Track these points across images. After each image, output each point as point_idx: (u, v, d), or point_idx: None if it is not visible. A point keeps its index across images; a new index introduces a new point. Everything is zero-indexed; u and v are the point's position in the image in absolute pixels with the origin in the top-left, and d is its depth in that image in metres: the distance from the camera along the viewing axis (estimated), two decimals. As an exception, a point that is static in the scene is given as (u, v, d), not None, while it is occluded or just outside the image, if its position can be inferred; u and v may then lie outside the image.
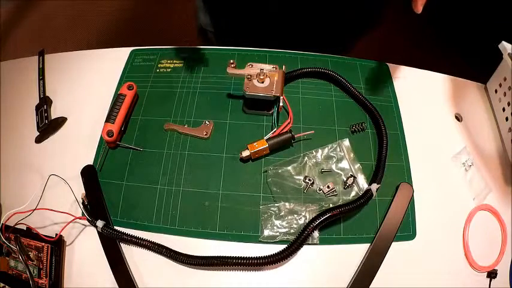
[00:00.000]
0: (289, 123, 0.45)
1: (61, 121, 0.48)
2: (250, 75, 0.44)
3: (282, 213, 0.41)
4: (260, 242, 0.40)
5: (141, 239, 0.39)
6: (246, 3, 0.56)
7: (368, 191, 0.40)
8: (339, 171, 0.43)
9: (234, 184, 0.43)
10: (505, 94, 0.48)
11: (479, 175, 0.45)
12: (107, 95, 0.50)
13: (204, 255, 0.38)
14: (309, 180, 0.42)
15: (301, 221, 0.40)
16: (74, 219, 0.40)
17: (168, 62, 0.53)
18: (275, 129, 0.45)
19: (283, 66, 0.46)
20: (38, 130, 0.48)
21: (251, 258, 0.37)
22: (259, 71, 0.44)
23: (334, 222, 0.40)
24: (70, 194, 0.41)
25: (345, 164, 0.44)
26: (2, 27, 1.44)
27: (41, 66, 0.54)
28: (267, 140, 0.43)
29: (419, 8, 0.39)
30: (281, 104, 0.43)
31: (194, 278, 0.38)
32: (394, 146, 0.46)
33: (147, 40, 0.59)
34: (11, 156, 0.47)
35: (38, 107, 0.49)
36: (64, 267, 0.39)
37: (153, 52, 0.55)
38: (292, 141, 0.44)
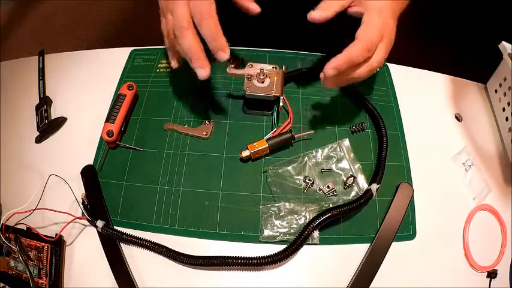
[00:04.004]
0: (289, 123, 0.45)
1: (61, 121, 0.48)
2: (250, 75, 0.44)
3: (282, 213, 0.41)
4: (260, 242, 0.40)
5: (141, 239, 0.39)
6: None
7: (368, 191, 0.40)
8: (339, 171, 0.43)
9: (234, 184, 0.43)
10: (505, 94, 0.48)
11: (479, 175, 0.45)
12: (107, 95, 0.50)
13: (204, 255, 0.38)
14: (309, 180, 0.42)
15: (301, 221, 0.40)
16: (74, 219, 0.40)
17: (168, 62, 0.53)
18: (275, 129, 0.45)
19: (283, 66, 0.46)
20: (38, 130, 0.48)
21: (251, 258, 0.37)
22: (259, 71, 0.44)
23: (334, 222, 0.40)
24: (70, 194, 0.41)
25: (345, 164, 0.44)
26: (2, 27, 1.44)
27: (41, 66, 0.54)
28: (267, 140, 0.43)
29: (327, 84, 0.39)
30: (281, 104, 0.43)
31: (194, 278, 0.38)
32: (394, 146, 0.46)
33: (147, 40, 0.59)
34: (11, 156, 0.47)
35: (38, 107, 0.49)
36: (64, 267, 0.39)
37: (153, 52, 0.55)
38: (292, 141, 0.44)
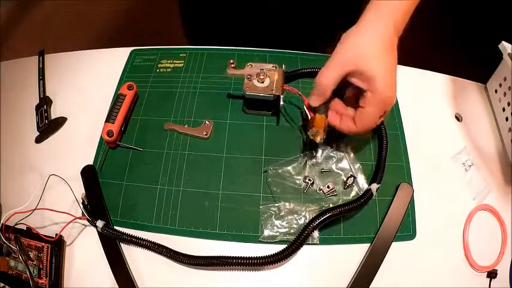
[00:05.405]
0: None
1: (61, 121, 0.48)
2: (250, 75, 0.44)
3: (282, 213, 0.41)
4: (260, 242, 0.40)
5: (141, 239, 0.39)
6: (246, 2, 0.56)
7: (368, 191, 0.40)
8: (339, 171, 0.43)
9: (234, 184, 0.43)
10: (505, 94, 0.48)
11: (479, 175, 0.45)
12: (107, 95, 0.50)
13: (204, 255, 0.38)
14: (309, 180, 0.42)
15: (301, 221, 0.40)
16: (74, 219, 0.40)
17: (168, 62, 0.53)
18: (307, 112, 0.42)
19: (283, 65, 0.46)
20: (38, 130, 0.48)
21: (251, 258, 0.37)
22: (259, 70, 0.44)
23: (334, 222, 0.40)
24: (70, 194, 0.41)
25: (345, 164, 0.44)
26: (2, 27, 1.44)
27: (41, 66, 0.54)
28: (316, 113, 0.40)
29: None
30: (281, 102, 0.43)
31: (194, 278, 0.38)
32: (394, 146, 0.46)
33: (147, 40, 0.59)
34: (11, 156, 0.47)
35: (38, 107, 0.49)
36: (64, 267, 0.39)
37: (153, 52, 0.55)
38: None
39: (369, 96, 0.36)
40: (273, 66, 0.45)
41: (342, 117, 0.40)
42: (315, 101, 0.39)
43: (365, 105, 0.37)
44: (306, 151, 0.44)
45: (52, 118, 0.48)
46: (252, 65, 0.45)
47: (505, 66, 0.48)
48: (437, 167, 0.45)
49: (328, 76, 0.37)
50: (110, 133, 0.43)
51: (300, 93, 0.44)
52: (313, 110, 0.40)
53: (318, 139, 0.39)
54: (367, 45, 0.36)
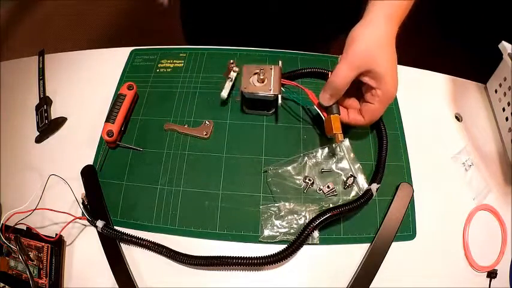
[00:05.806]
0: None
1: (61, 121, 0.48)
2: (250, 75, 0.44)
3: (282, 213, 0.41)
4: (260, 242, 0.40)
5: (141, 239, 0.39)
6: (246, 2, 0.56)
7: (368, 191, 0.40)
8: (339, 171, 0.43)
9: (234, 184, 0.43)
10: (505, 94, 0.48)
11: (479, 175, 0.45)
12: (107, 95, 0.50)
13: (204, 255, 0.38)
14: (309, 180, 0.42)
15: (301, 221, 0.40)
16: (74, 219, 0.40)
17: (168, 62, 0.53)
18: (319, 110, 0.43)
19: (279, 62, 0.45)
20: (38, 130, 0.48)
21: (251, 258, 0.37)
22: (257, 70, 0.43)
23: (334, 222, 0.40)
24: (70, 194, 0.41)
25: (345, 164, 0.44)
26: (2, 27, 1.44)
27: (41, 66, 0.54)
28: (334, 113, 0.41)
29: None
30: (280, 101, 0.43)
31: (194, 278, 0.38)
32: (394, 146, 0.46)
33: (147, 40, 0.59)
34: (11, 156, 0.47)
35: (38, 107, 0.49)
36: (64, 267, 0.39)
37: (153, 52, 0.55)
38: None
39: (378, 94, 0.39)
40: (269, 67, 0.44)
41: (348, 111, 0.43)
42: (328, 101, 0.41)
43: (374, 102, 0.39)
44: (306, 151, 0.44)
45: (52, 118, 0.48)
46: (249, 67, 0.44)
47: (505, 66, 0.48)
48: (437, 167, 0.45)
49: (343, 77, 0.38)
50: (110, 133, 0.43)
51: (300, 85, 0.45)
52: (325, 108, 0.42)
53: (339, 141, 0.40)
54: (375, 46, 0.37)
